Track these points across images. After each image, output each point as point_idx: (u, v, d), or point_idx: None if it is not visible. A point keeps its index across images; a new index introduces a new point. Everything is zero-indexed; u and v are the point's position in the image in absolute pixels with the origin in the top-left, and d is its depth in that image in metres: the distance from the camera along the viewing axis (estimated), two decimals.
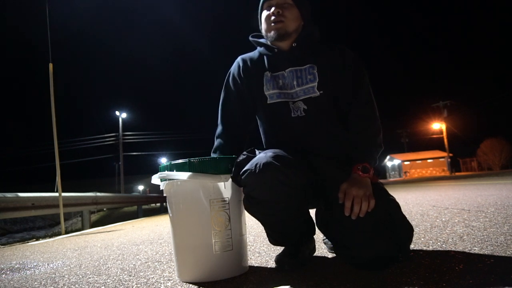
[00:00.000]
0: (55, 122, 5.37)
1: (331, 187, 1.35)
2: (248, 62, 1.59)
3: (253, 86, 1.56)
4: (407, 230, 1.27)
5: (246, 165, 1.31)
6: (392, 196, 1.36)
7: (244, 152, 1.42)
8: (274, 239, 1.51)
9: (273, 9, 1.45)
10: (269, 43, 1.53)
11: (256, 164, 1.27)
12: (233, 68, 1.63)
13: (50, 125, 5.36)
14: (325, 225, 1.43)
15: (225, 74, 1.68)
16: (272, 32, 1.46)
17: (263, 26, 1.52)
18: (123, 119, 28.81)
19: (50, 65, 5.37)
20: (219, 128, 1.65)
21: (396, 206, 1.30)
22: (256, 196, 1.31)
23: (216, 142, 1.65)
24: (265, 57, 1.56)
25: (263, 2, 1.51)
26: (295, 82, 1.47)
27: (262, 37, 1.58)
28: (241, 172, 1.31)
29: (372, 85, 1.52)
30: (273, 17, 1.45)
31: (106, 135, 30.20)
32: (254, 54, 1.61)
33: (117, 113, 28.47)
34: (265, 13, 1.50)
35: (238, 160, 1.38)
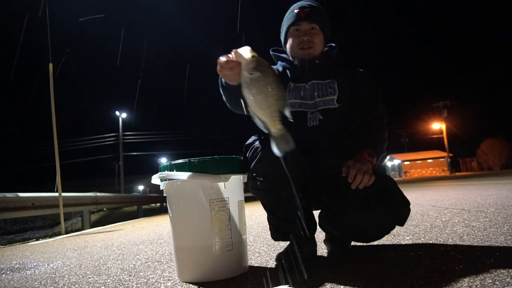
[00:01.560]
0: (55, 122, 5.37)
1: (334, 170, 1.44)
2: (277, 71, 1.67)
3: None
4: (403, 201, 1.37)
5: (252, 144, 1.44)
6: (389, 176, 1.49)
7: (252, 136, 1.52)
8: (276, 229, 1.53)
9: (303, 36, 1.57)
10: (291, 58, 1.64)
11: (260, 141, 1.42)
12: None
13: (50, 125, 5.37)
14: (327, 212, 1.49)
15: None
16: (301, 56, 1.59)
17: (291, 49, 1.62)
18: (123, 119, 28.85)
19: (50, 65, 5.37)
20: None
21: (393, 181, 1.42)
22: (258, 170, 1.40)
23: None
24: (287, 70, 1.67)
25: (290, 25, 1.60)
26: (315, 93, 1.59)
27: (282, 51, 1.71)
28: (247, 151, 1.44)
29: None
30: (302, 44, 1.58)
31: (106, 135, 30.22)
32: (277, 67, 1.71)
33: (117, 113, 28.49)
34: (293, 38, 1.60)
35: (246, 143, 1.49)
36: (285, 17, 1.65)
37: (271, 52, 1.71)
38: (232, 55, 1.18)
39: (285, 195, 1.41)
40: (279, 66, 1.70)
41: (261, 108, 1.12)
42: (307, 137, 1.57)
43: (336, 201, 1.43)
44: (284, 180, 1.38)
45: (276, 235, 1.54)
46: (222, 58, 1.21)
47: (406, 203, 1.36)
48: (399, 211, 1.36)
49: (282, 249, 1.52)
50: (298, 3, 1.63)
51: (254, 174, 1.42)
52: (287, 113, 1.15)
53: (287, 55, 1.67)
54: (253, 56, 1.13)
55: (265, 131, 1.19)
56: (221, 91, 1.49)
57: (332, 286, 1.16)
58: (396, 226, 1.44)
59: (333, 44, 1.67)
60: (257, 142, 1.43)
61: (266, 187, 1.41)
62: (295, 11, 1.58)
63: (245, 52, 1.15)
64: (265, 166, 1.38)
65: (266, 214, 1.54)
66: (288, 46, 1.64)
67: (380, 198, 1.32)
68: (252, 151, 1.43)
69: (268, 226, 1.57)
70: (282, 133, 1.14)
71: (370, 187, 1.32)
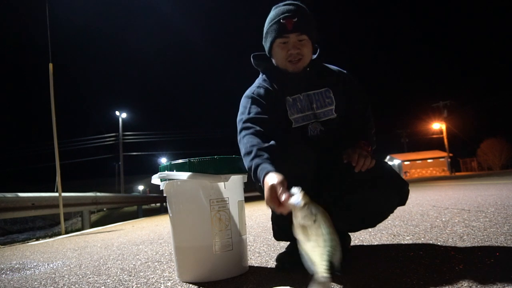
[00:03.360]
0: (55, 122, 5.37)
1: (334, 167, 1.47)
2: (269, 88, 1.56)
3: (277, 110, 1.53)
4: (403, 183, 1.42)
5: None
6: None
7: None
8: (280, 228, 1.53)
9: (292, 49, 1.47)
10: (279, 67, 1.54)
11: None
12: (256, 90, 1.56)
13: (50, 125, 5.37)
14: (330, 206, 1.49)
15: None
16: (291, 69, 1.51)
17: (279, 62, 1.53)
18: (123, 119, 28.84)
19: (50, 65, 5.38)
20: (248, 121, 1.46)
21: (389, 165, 1.49)
22: None
23: (249, 129, 1.44)
24: (278, 82, 1.55)
25: (276, 37, 1.48)
26: (314, 105, 1.54)
27: (265, 57, 1.60)
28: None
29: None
30: (291, 57, 1.48)
31: (106, 135, 30.25)
32: (266, 82, 1.58)
33: (117, 113, 28.48)
34: (280, 50, 1.49)
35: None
36: (269, 25, 1.52)
37: (253, 61, 1.63)
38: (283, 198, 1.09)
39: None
40: (267, 80, 1.57)
41: (309, 253, 1.06)
42: (309, 146, 1.53)
43: (340, 189, 1.46)
44: (291, 177, 1.38)
45: (280, 235, 1.54)
46: (276, 208, 1.12)
47: (406, 182, 1.43)
48: (402, 188, 1.42)
49: (282, 249, 1.52)
50: (283, 7, 1.48)
51: None
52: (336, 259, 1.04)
53: (274, 63, 1.57)
54: (305, 204, 1.05)
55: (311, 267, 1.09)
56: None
57: (332, 286, 1.16)
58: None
59: (316, 46, 1.58)
60: None
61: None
62: (282, 21, 1.45)
63: (297, 200, 1.06)
64: None
65: (271, 213, 1.54)
66: (274, 58, 1.55)
67: (383, 177, 1.39)
68: None
69: (268, 225, 1.57)
70: (324, 282, 1.04)
71: (371, 169, 1.37)
